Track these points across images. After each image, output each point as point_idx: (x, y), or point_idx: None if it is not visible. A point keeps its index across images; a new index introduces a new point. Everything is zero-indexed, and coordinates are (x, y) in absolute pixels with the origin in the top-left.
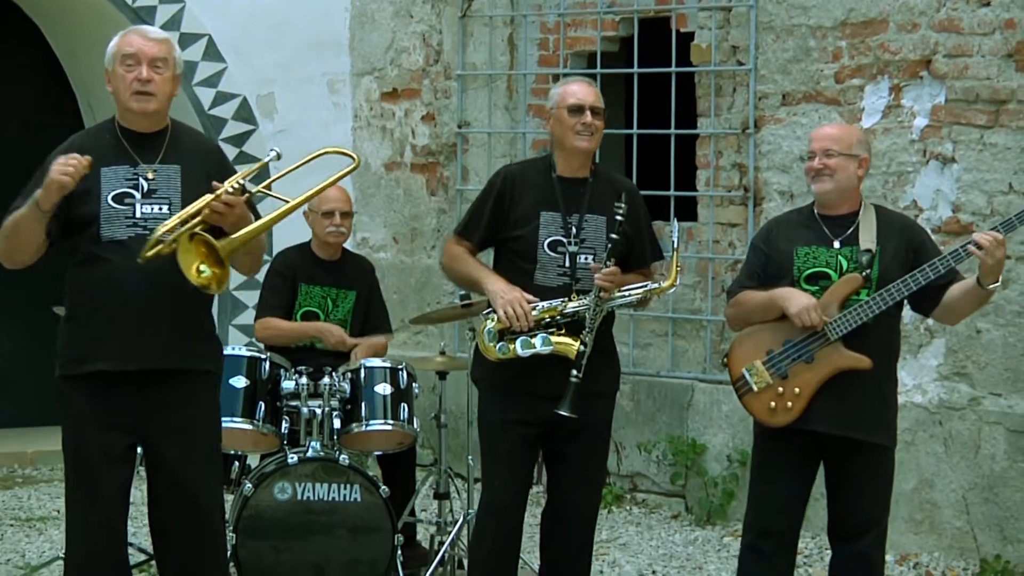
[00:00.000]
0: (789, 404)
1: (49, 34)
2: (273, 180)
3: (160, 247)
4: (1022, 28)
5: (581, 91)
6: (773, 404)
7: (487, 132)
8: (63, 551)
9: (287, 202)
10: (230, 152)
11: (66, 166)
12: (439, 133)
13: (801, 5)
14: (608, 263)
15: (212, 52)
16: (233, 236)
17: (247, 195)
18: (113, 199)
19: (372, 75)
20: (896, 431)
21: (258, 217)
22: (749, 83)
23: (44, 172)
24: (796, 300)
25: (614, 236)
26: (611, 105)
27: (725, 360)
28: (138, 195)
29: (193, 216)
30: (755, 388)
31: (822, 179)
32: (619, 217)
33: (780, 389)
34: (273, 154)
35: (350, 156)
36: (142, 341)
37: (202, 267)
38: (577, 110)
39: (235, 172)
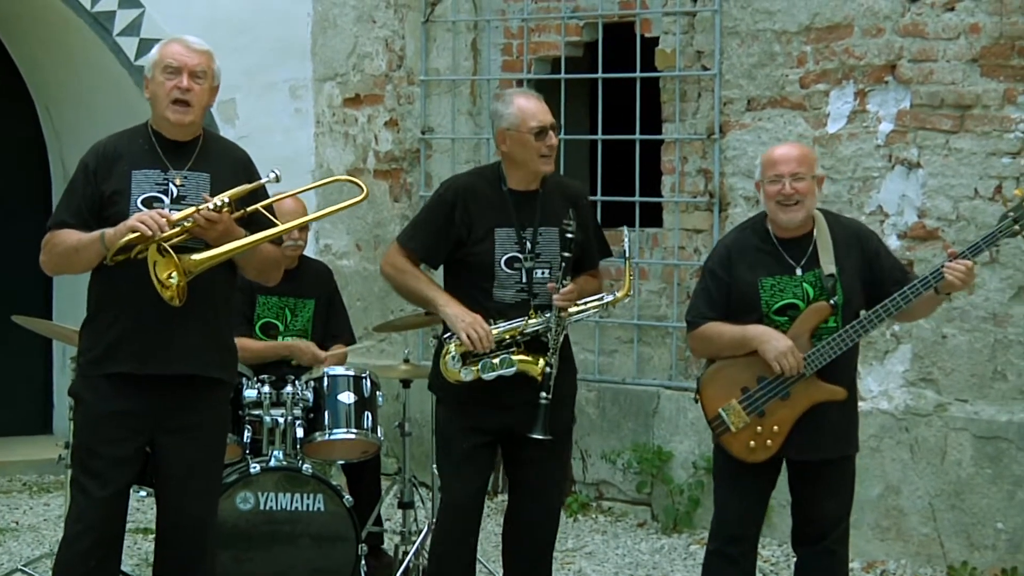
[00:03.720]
0: (768, 442)
1: (6, 39)
2: (272, 201)
3: (129, 252)
4: (987, 33)
5: (540, 111)
6: (752, 443)
7: (451, 138)
8: (55, 547)
9: (276, 224)
10: None
11: (151, 220)
12: (402, 139)
13: (766, 10)
14: (564, 282)
15: None
16: (203, 254)
17: (241, 212)
18: (142, 203)
19: (334, 81)
20: (858, 436)
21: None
22: (714, 88)
23: (86, 176)
24: (772, 344)
25: (566, 254)
26: (575, 110)
27: (697, 397)
28: (167, 200)
29: (173, 225)
30: (733, 428)
31: (793, 208)
32: (569, 235)
33: (758, 428)
34: (272, 176)
35: (359, 186)
36: (163, 346)
37: (172, 276)
38: (542, 132)
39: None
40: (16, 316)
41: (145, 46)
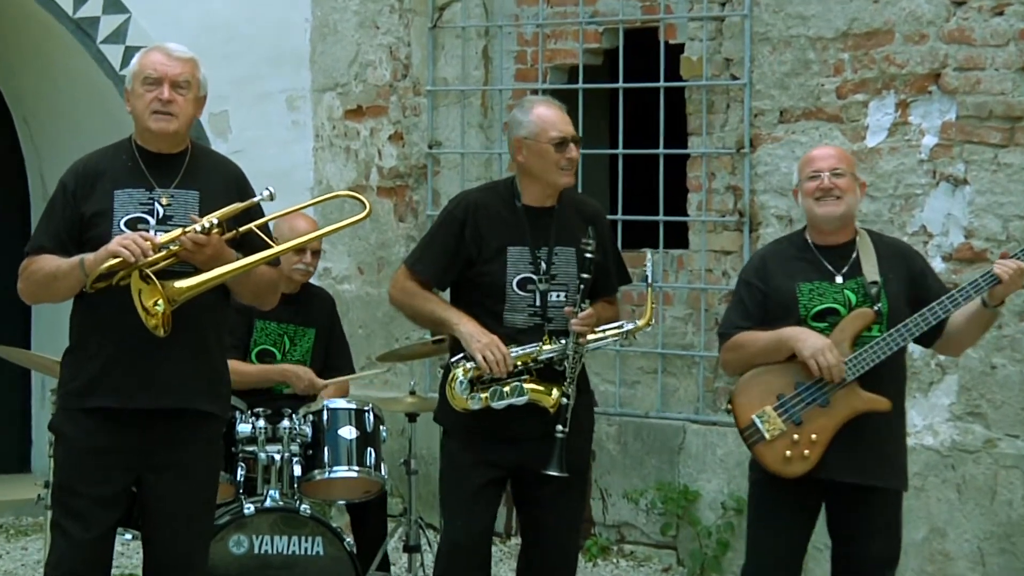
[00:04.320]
0: (806, 452)
1: None
2: (268, 220)
3: (110, 279)
4: None
5: (560, 120)
6: (788, 453)
7: (460, 152)
8: None
9: (272, 245)
10: None
11: (133, 244)
12: (408, 154)
13: (800, 15)
14: (582, 305)
15: None
16: (189, 281)
17: (233, 233)
18: (126, 224)
19: (335, 91)
20: (907, 472)
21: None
22: (744, 99)
23: (65, 196)
24: (809, 341)
25: (585, 276)
26: (595, 123)
27: (729, 406)
28: (152, 221)
29: (157, 249)
30: (767, 436)
31: (831, 201)
32: (588, 255)
33: (795, 436)
34: (266, 194)
35: (362, 202)
36: (150, 377)
37: (159, 303)
38: (562, 143)
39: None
40: None
41: (131, 54)
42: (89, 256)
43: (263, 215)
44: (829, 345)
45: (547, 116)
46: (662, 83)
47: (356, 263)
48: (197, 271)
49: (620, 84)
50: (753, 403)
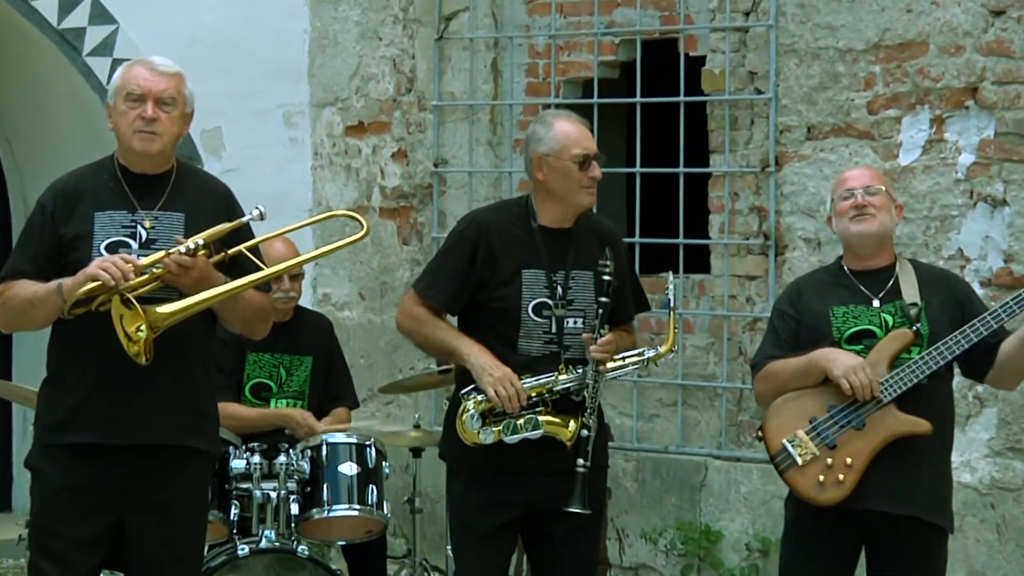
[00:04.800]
0: (840, 477)
1: None
2: (257, 242)
3: (89, 304)
4: None
5: (584, 137)
6: (822, 478)
7: (467, 171)
8: None
9: (262, 268)
10: None
11: (113, 267)
12: (412, 172)
13: (828, 25)
14: (601, 332)
15: None
16: (172, 306)
17: (221, 256)
18: (106, 248)
19: (335, 106)
20: (952, 512)
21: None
22: (769, 114)
23: (44, 218)
24: (840, 360)
25: (604, 300)
26: (611, 140)
27: (759, 433)
28: (134, 245)
29: (139, 273)
30: (799, 461)
31: (865, 219)
32: (606, 277)
33: (829, 461)
34: (256, 213)
35: (360, 221)
36: (132, 411)
37: (141, 329)
38: (586, 162)
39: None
40: None
41: (119, 68)
42: (68, 280)
43: (253, 236)
44: (862, 364)
45: (570, 132)
46: (682, 98)
47: (357, 288)
48: (183, 296)
49: (638, 99)
50: (784, 427)
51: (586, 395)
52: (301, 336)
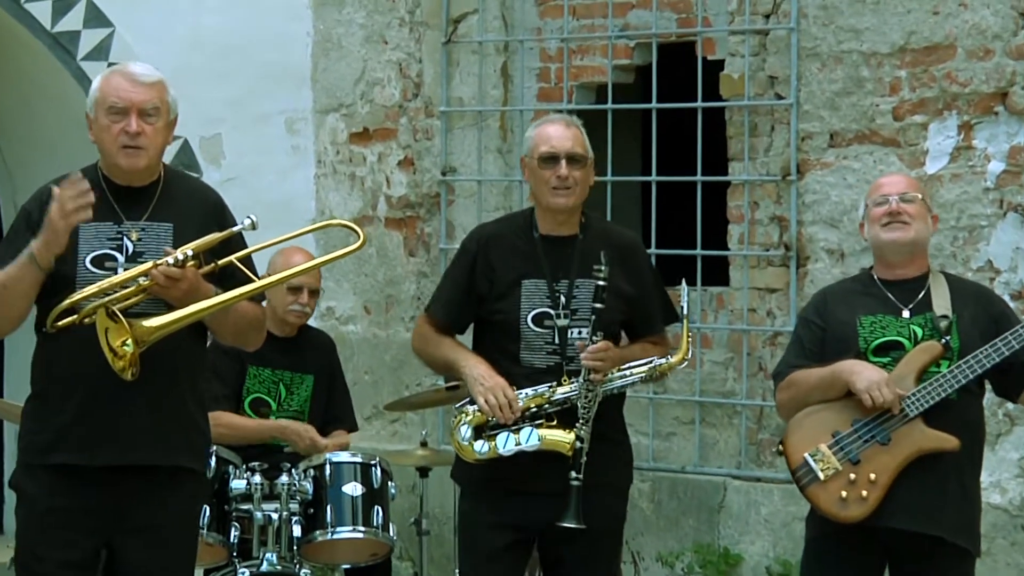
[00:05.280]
0: (863, 493)
1: None
2: (252, 251)
3: (73, 317)
4: None
5: (556, 135)
6: (844, 494)
7: (476, 180)
8: None
9: (254, 279)
10: None
11: (74, 199)
12: (419, 181)
13: (852, 28)
14: (594, 338)
15: None
16: (160, 320)
17: (211, 266)
18: (92, 262)
19: (338, 112)
20: (979, 535)
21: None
22: (790, 120)
23: (29, 226)
24: (864, 374)
25: (597, 305)
26: (625, 147)
27: (780, 447)
28: (121, 258)
29: (123, 285)
30: (821, 476)
31: (899, 226)
32: (600, 282)
33: (852, 476)
34: (247, 222)
35: (356, 231)
36: (119, 430)
37: (127, 343)
38: (550, 159)
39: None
40: None
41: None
42: (34, 242)
43: (245, 246)
44: (887, 379)
45: (543, 131)
46: (700, 103)
47: (362, 302)
48: (171, 308)
49: (653, 104)
50: (806, 441)
51: (579, 405)
52: (304, 354)
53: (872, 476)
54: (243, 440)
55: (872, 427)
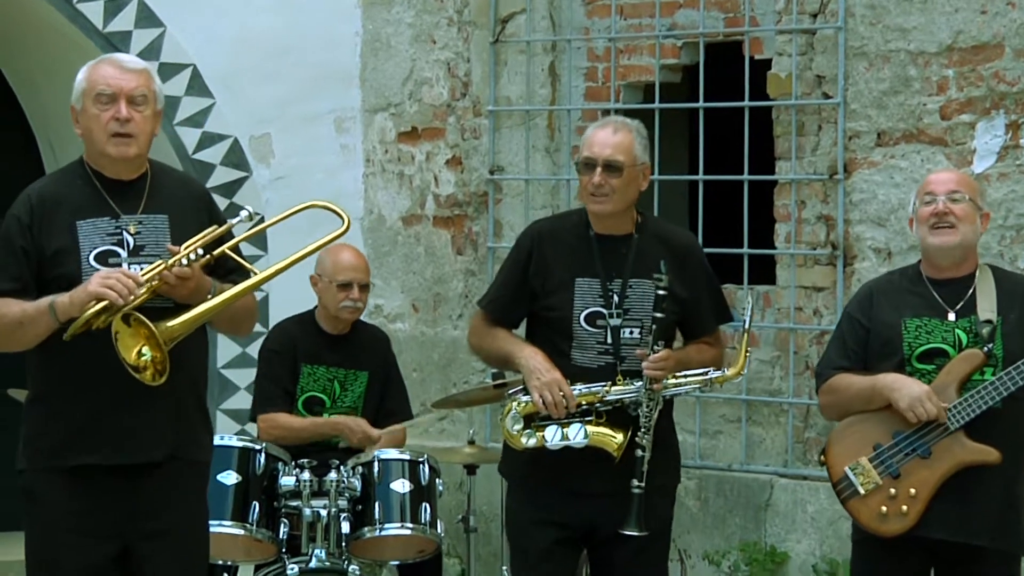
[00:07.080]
0: (904, 508)
1: (2, 63)
2: (242, 239)
3: (91, 323)
4: None
5: (599, 141)
6: (884, 509)
7: (524, 179)
8: None
9: (255, 273)
10: (219, 203)
11: (119, 284)
12: (467, 180)
13: (900, 27)
14: (656, 347)
15: (197, 86)
16: (181, 319)
17: (207, 259)
18: (95, 259)
19: (387, 112)
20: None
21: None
22: (837, 119)
23: (22, 232)
24: (906, 391)
25: (658, 315)
26: (672, 146)
27: (822, 457)
28: (124, 253)
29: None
30: (861, 490)
31: (946, 230)
32: (660, 291)
33: (892, 490)
34: (245, 214)
35: (339, 215)
36: (138, 428)
37: (144, 350)
38: (588, 165)
39: (225, 222)
40: (12, 389)
41: (166, 72)
42: (61, 298)
43: (233, 236)
44: (928, 393)
45: (588, 136)
46: (747, 102)
47: (410, 300)
48: (175, 304)
49: (700, 103)
50: (847, 454)
51: (640, 413)
52: (358, 351)
53: (912, 491)
54: (298, 440)
55: (913, 440)
